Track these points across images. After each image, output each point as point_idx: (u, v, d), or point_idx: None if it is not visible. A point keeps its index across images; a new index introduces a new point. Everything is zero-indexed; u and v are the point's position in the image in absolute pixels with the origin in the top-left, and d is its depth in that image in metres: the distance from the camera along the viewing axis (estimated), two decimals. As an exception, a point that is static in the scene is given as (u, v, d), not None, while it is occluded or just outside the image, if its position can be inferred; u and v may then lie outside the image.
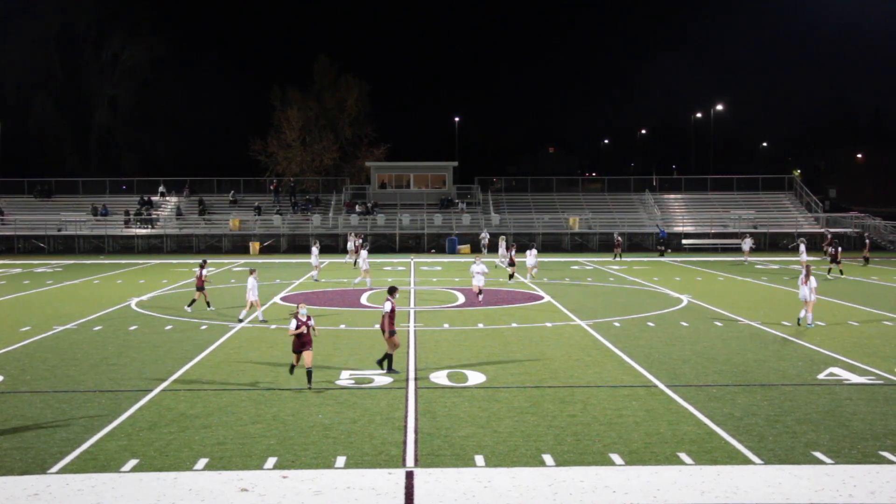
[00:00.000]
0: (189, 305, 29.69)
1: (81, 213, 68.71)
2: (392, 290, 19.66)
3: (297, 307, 17.62)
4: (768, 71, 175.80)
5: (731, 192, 74.75)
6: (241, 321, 26.88)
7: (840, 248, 43.68)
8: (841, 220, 69.90)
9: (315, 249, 42.73)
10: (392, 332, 19.02)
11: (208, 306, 29.74)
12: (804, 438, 14.04)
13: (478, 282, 31.58)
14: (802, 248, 46.50)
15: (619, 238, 55.98)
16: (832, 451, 13.36)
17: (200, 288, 29.66)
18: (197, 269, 30.58)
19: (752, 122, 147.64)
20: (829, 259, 44.23)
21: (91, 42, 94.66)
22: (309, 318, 17.40)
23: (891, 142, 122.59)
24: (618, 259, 54.67)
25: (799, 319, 26.13)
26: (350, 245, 54.23)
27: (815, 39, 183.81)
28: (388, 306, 19.08)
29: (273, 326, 26.14)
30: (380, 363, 19.35)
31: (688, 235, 65.63)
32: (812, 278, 25.80)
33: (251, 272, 26.97)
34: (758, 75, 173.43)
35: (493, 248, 57.42)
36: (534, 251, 41.51)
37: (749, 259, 53.15)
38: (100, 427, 14.80)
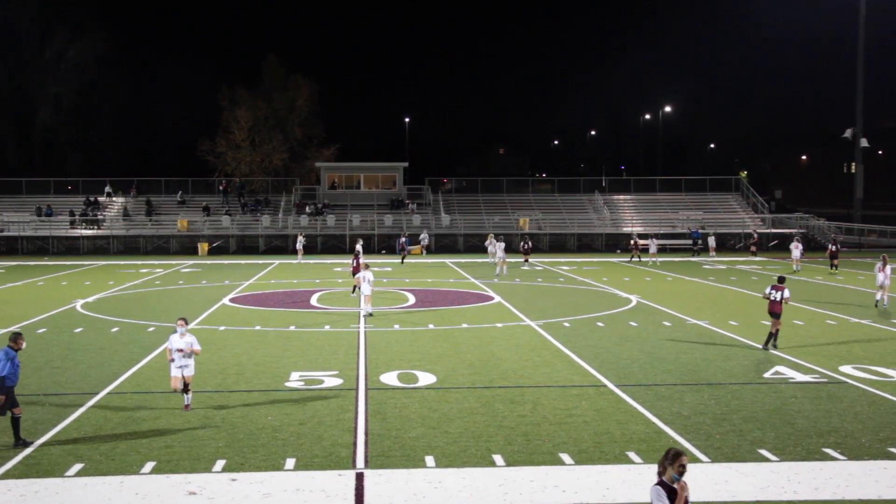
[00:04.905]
0: (353, 292, 31.83)
1: (25, 213, 67.44)
2: (781, 280, 22.46)
3: None
4: (716, 73, 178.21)
5: (679, 192, 75.53)
6: (365, 315, 28.21)
7: (839, 247, 47.18)
8: (786, 220, 71.09)
9: (359, 247, 43.43)
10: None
11: (353, 292, 32.18)
12: (750, 437, 14.24)
13: (185, 371, 16.24)
14: (796, 246, 46.90)
15: (644, 240, 54.14)
16: (777, 449, 13.56)
17: (354, 275, 32.71)
18: (353, 261, 34.56)
19: (699, 124, 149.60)
20: (829, 256, 46.76)
21: (34, 40, 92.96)
22: None
23: (834, 144, 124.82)
24: (640, 261, 52.97)
25: (876, 302, 30.34)
26: (298, 245, 54.17)
27: (762, 43, 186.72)
28: (786, 294, 21.92)
29: (257, 328, 25.94)
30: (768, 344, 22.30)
31: (641, 236, 66.18)
32: (888, 266, 30.09)
33: (366, 267, 28.95)
34: (705, 78, 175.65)
35: (433, 250, 58.54)
36: (502, 245, 46.52)
37: (714, 256, 56.48)
38: (44, 431, 14.55)
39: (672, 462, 8.42)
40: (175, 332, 16.36)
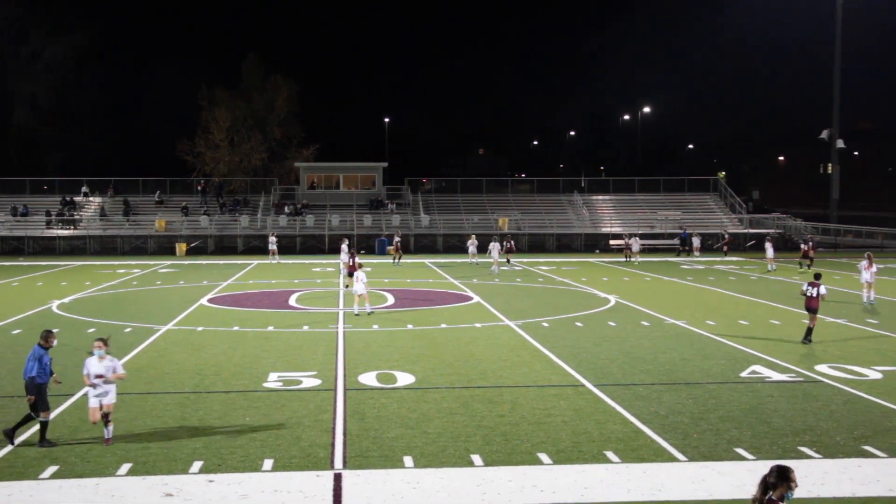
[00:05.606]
0: (347, 287, 32.72)
1: (0, 213, 66.94)
2: (818, 276, 23.58)
3: None
4: (694, 75, 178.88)
5: (657, 193, 75.82)
6: (369, 313, 28.69)
7: (812, 244, 47.92)
8: (763, 220, 71.51)
9: (345, 247, 43.81)
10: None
11: (346, 287, 33.22)
12: (727, 435, 14.30)
13: (104, 399, 14.10)
14: (768, 245, 47.93)
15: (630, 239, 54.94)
16: (754, 448, 13.63)
17: (351, 274, 32.19)
18: (350, 259, 34.75)
19: (678, 125, 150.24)
20: (801, 255, 47.78)
21: (10, 38, 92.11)
22: None
23: (811, 145, 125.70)
24: (633, 262, 53.17)
25: (865, 301, 30.82)
26: (271, 246, 54.06)
27: (740, 45, 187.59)
28: (822, 290, 22.94)
29: (236, 328, 25.81)
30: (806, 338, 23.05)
31: (616, 236, 66.44)
32: (874, 265, 31.06)
33: (360, 267, 29.70)
34: (684, 79, 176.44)
35: (411, 250, 58.88)
36: (497, 245, 47.37)
37: (697, 256, 57.97)
38: (18, 434, 14.38)
39: (782, 480, 7.85)
40: (91, 354, 14.11)
